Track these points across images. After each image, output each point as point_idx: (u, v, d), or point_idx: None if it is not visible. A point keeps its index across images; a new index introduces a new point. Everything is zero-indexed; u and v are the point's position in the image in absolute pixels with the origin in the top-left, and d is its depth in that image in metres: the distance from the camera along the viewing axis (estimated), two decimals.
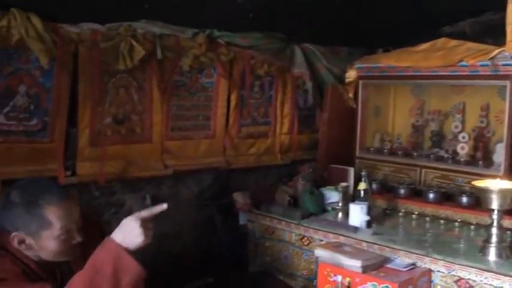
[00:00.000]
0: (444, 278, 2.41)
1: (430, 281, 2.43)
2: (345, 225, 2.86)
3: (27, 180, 1.91)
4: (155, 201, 3.25)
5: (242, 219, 3.36)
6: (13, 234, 1.78)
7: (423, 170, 3.39)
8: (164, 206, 1.82)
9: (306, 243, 2.97)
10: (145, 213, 1.77)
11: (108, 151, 2.91)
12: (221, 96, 3.49)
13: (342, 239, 2.77)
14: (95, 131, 2.86)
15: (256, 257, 3.27)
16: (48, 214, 1.77)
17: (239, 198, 3.27)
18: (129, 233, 1.72)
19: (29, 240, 1.79)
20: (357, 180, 3.14)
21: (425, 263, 2.46)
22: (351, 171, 3.41)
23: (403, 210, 3.20)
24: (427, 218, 3.07)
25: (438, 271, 2.42)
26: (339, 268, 2.40)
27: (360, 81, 3.67)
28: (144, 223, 1.74)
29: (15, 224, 1.78)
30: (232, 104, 3.58)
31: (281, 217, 3.09)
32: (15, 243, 1.79)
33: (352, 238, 2.74)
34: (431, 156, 3.43)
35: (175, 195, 3.42)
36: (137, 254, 1.72)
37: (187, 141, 3.39)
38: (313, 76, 3.81)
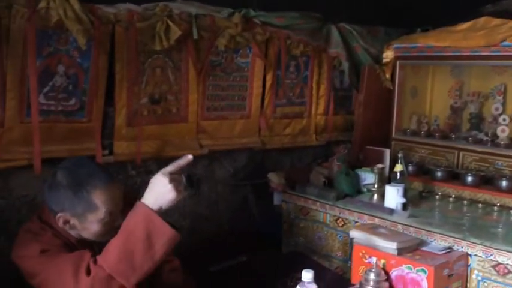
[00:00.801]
0: (482, 262, 2.38)
1: (467, 265, 2.40)
2: (380, 207, 2.83)
3: (74, 162, 1.92)
4: (190, 181, 3.29)
5: (276, 200, 3.37)
6: (59, 214, 1.84)
7: (461, 153, 3.33)
8: (189, 156, 1.78)
9: (340, 225, 2.96)
10: (171, 167, 1.73)
11: (144, 130, 2.94)
12: (256, 76, 3.48)
13: (377, 221, 2.75)
14: (131, 110, 2.89)
15: (290, 238, 3.28)
16: (95, 198, 1.81)
17: (274, 178, 3.27)
18: (159, 191, 1.70)
19: (73, 221, 1.85)
20: (393, 162, 3.10)
21: (463, 246, 2.42)
22: (387, 152, 3.37)
23: (439, 193, 3.15)
24: (465, 202, 3.02)
25: (475, 255, 2.39)
26: (374, 250, 2.39)
27: (398, 62, 3.60)
28: (173, 177, 1.71)
29: (62, 205, 1.83)
30: (268, 84, 3.57)
31: (316, 198, 3.08)
32: (60, 223, 1.84)
33: (387, 220, 2.72)
34: (470, 138, 3.36)
35: (210, 175, 3.44)
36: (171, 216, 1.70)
37: (222, 121, 3.40)
38: (349, 56, 3.76)
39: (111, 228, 1.85)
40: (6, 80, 2.40)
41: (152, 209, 1.68)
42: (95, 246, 1.97)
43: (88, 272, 1.68)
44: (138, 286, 1.75)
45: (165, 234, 1.68)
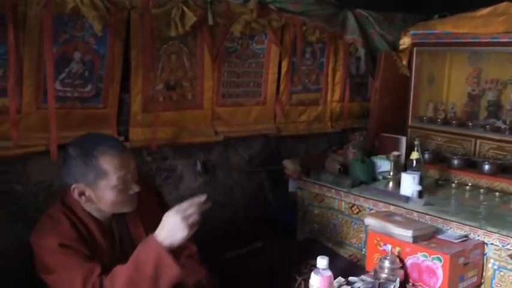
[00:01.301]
0: (498, 251, 2.36)
1: (483, 254, 2.38)
2: (395, 194, 2.82)
3: (83, 135, 1.98)
4: (206, 167, 3.30)
5: (291, 187, 3.37)
6: (73, 186, 1.88)
7: (478, 141, 3.29)
8: (203, 197, 1.81)
9: (355, 212, 2.96)
10: (185, 204, 1.78)
11: (160, 117, 2.95)
12: (272, 62, 3.47)
13: (392, 209, 2.74)
14: (147, 97, 2.90)
15: (304, 224, 3.28)
16: (103, 164, 1.85)
17: (289, 165, 3.27)
18: (171, 229, 1.75)
19: (88, 192, 1.88)
20: (409, 150, 3.08)
21: (479, 235, 2.40)
22: (403, 140, 3.35)
23: (456, 182, 3.12)
24: (482, 190, 2.99)
25: (492, 244, 2.37)
26: (389, 237, 2.38)
27: (415, 49, 3.55)
28: (186, 215, 1.75)
29: (74, 175, 1.87)
30: (283, 70, 3.56)
31: (331, 185, 3.07)
32: (75, 194, 1.89)
33: (403, 208, 2.70)
34: (488, 126, 3.32)
35: (226, 162, 3.45)
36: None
37: (238, 108, 3.40)
38: (365, 43, 3.73)
39: (127, 196, 1.90)
40: (23, 67, 2.42)
41: (163, 247, 1.74)
42: (115, 230, 2.02)
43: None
44: None
45: (172, 273, 1.75)
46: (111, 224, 2.02)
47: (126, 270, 1.76)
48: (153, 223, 1.85)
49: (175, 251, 1.79)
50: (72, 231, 1.88)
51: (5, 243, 2.53)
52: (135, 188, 1.92)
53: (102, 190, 1.87)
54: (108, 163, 1.85)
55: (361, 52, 3.75)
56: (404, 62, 3.62)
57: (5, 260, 2.52)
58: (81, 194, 1.89)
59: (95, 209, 1.94)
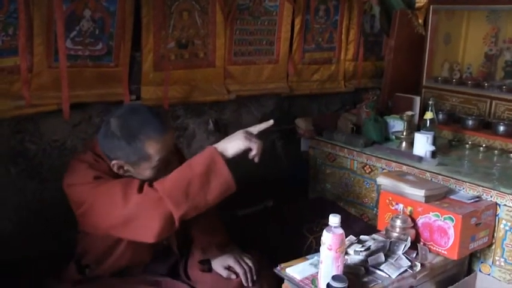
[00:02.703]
0: (510, 212, 2.34)
1: (495, 215, 2.37)
2: (408, 154, 2.80)
3: (127, 110, 1.94)
4: (217, 126, 3.30)
5: (304, 146, 3.37)
6: (113, 162, 1.89)
7: (494, 102, 3.25)
8: (271, 121, 1.93)
9: (367, 171, 2.95)
10: (252, 128, 1.89)
11: (171, 75, 2.94)
12: (285, 20, 3.42)
13: (405, 168, 2.73)
14: (158, 55, 2.87)
15: (316, 184, 3.29)
16: (148, 148, 1.86)
17: (301, 124, 3.26)
18: (231, 139, 1.84)
19: (127, 167, 1.91)
20: (423, 110, 3.05)
21: (491, 196, 2.39)
22: (417, 100, 3.32)
23: (470, 142, 3.10)
24: (496, 151, 2.96)
25: (504, 205, 2.36)
26: (401, 197, 2.38)
27: (431, 7, 3.49)
28: (248, 133, 1.85)
29: (116, 154, 1.89)
30: (296, 28, 3.51)
31: (343, 144, 3.07)
32: (115, 168, 1.91)
33: (415, 168, 2.69)
34: (504, 87, 3.26)
35: (238, 121, 3.44)
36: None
37: (250, 66, 3.37)
38: (380, 0, 3.66)
39: (163, 172, 1.88)
40: (33, 25, 2.39)
41: (217, 150, 1.80)
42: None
43: (140, 190, 1.77)
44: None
45: (222, 175, 1.78)
46: None
47: (177, 171, 1.79)
48: None
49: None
50: (109, 170, 1.91)
51: (22, 200, 2.58)
52: (172, 164, 1.91)
53: (142, 169, 1.90)
54: (152, 148, 1.86)
55: (376, 10, 3.69)
56: (420, 21, 3.56)
57: (22, 215, 2.57)
58: (120, 167, 1.91)
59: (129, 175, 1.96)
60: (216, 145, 1.82)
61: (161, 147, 1.87)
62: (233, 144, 1.82)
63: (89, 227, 1.94)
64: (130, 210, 1.75)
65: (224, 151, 1.80)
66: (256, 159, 1.87)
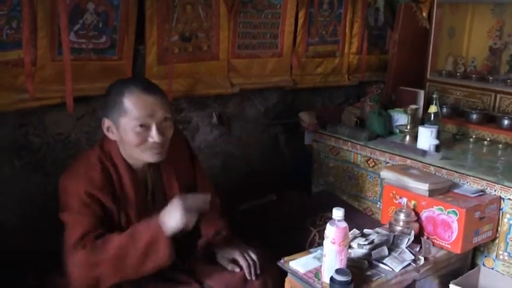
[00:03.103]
0: None
1: (499, 209, 2.37)
2: (412, 148, 2.80)
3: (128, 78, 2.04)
4: (221, 119, 3.30)
5: (307, 139, 3.36)
6: (103, 119, 1.94)
7: (498, 95, 3.23)
8: (208, 197, 1.89)
9: (371, 165, 2.95)
10: (192, 199, 1.84)
11: (175, 68, 2.93)
12: (289, 13, 3.41)
13: (408, 162, 2.73)
14: (162, 48, 2.87)
15: (319, 177, 3.29)
16: (126, 102, 1.87)
17: (305, 117, 3.26)
18: (172, 216, 1.79)
19: (113, 128, 1.93)
20: (427, 104, 3.05)
21: (495, 190, 2.39)
22: (421, 93, 3.31)
23: (474, 136, 3.09)
24: (500, 145, 2.95)
25: (508, 199, 2.35)
26: (404, 191, 2.38)
27: (435, 0, 3.47)
28: (189, 210, 1.80)
29: (106, 109, 1.94)
30: (300, 21, 3.50)
31: (347, 138, 3.06)
32: (104, 128, 1.95)
33: (419, 162, 2.69)
34: (508, 81, 3.25)
35: (241, 114, 3.44)
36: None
37: (253, 60, 3.36)
38: None
39: (145, 143, 1.90)
40: (37, 19, 2.39)
41: (163, 228, 1.79)
42: (148, 178, 2.07)
43: (84, 247, 1.80)
44: None
45: (160, 257, 1.81)
46: (145, 175, 2.06)
47: (122, 236, 1.82)
48: (186, 176, 1.87)
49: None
50: (102, 178, 1.92)
51: (26, 193, 2.59)
52: (156, 138, 1.89)
53: (123, 129, 1.90)
54: (131, 102, 1.87)
55: (380, 3, 3.69)
56: (425, 14, 3.54)
57: (26, 208, 2.58)
58: (108, 129, 1.94)
59: (129, 154, 1.97)
60: (162, 217, 1.81)
61: (140, 105, 1.87)
62: (173, 223, 1.79)
63: None
64: (70, 260, 1.83)
65: (168, 227, 1.79)
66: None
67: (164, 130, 1.93)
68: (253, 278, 2.05)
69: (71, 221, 1.86)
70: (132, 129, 1.88)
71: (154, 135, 1.89)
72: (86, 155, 1.99)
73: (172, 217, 1.79)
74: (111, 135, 1.95)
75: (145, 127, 1.89)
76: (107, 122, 1.93)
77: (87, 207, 1.87)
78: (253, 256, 2.10)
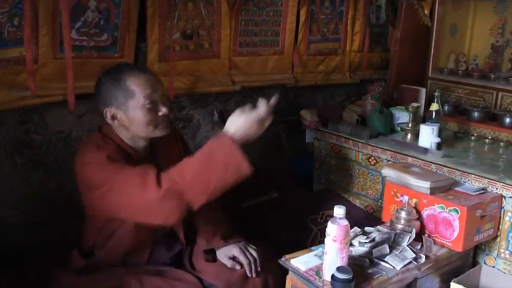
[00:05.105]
0: None
1: (501, 207, 2.36)
2: (414, 146, 2.80)
3: (112, 66, 2.06)
4: (222, 117, 3.30)
5: (309, 137, 3.36)
6: (105, 109, 1.96)
7: (500, 94, 3.23)
8: (276, 96, 1.95)
9: (372, 163, 2.95)
10: (262, 109, 1.88)
11: (176, 66, 2.94)
12: (290, 11, 3.41)
13: (410, 160, 2.72)
14: (163, 46, 2.87)
15: (321, 175, 3.29)
16: (131, 85, 1.94)
17: (306, 115, 3.25)
18: (246, 127, 1.84)
19: (120, 115, 1.96)
20: (428, 102, 3.04)
21: (497, 188, 2.38)
22: (423, 91, 3.30)
23: (475, 134, 3.09)
24: (501, 143, 2.95)
25: (510, 197, 2.35)
26: (406, 189, 2.37)
27: None
28: (262, 119, 1.87)
29: (105, 99, 1.97)
30: (302, 19, 3.50)
31: (348, 136, 3.06)
32: (108, 118, 1.97)
33: (420, 159, 2.68)
34: (510, 79, 3.24)
35: None
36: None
37: (255, 57, 3.36)
38: None
39: (156, 117, 1.97)
40: (38, 16, 2.39)
41: (234, 141, 1.81)
42: (160, 161, 2.08)
43: (159, 183, 1.79)
44: None
45: (241, 169, 1.81)
46: (144, 156, 2.09)
47: (196, 162, 1.82)
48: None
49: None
50: (118, 151, 1.97)
51: (27, 190, 2.59)
52: (164, 109, 1.98)
53: (132, 110, 1.94)
54: (135, 83, 1.93)
55: (382, 0, 3.67)
56: (426, 12, 3.53)
57: (27, 205, 2.58)
58: (114, 117, 1.97)
59: (130, 138, 2.02)
60: (232, 133, 1.83)
61: (144, 83, 1.95)
62: (248, 136, 1.85)
63: (100, 211, 1.98)
64: (150, 203, 1.81)
65: (240, 140, 1.83)
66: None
67: (165, 103, 2.02)
68: (254, 275, 2.06)
69: (122, 181, 1.86)
70: (144, 107, 1.94)
71: (162, 109, 1.98)
72: (89, 140, 2.04)
73: (248, 131, 1.85)
74: (117, 123, 1.99)
75: (153, 103, 1.96)
76: (110, 111, 1.96)
77: (120, 164, 1.90)
78: (254, 253, 2.10)
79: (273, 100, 1.92)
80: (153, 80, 2.00)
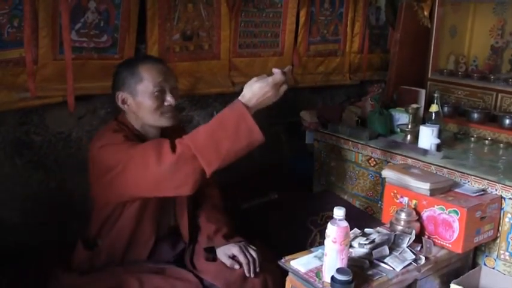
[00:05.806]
0: None
1: (501, 208, 2.36)
2: (413, 147, 2.80)
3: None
4: None
5: (308, 139, 3.36)
6: (117, 93, 2.05)
7: (500, 95, 3.22)
8: (288, 68, 1.96)
9: (372, 164, 2.95)
10: (277, 76, 1.88)
11: (176, 67, 2.93)
12: (290, 12, 3.41)
13: (410, 162, 2.72)
14: (163, 47, 2.87)
15: (321, 176, 3.29)
16: (142, 71, 2.03)
17: (306, 117, 3.25)
18: (260, 94, 1.87)
19: (129, 100, 2.05)
20: (428, 103, 3.04)
21: (497, 189, 2.38)
22: (422, 93, 3.30)
23: (475, 136, 3.09)
24: (501, 145, 2.95)
25: (510, 199, 2.35)
26: (406, 190, 2.37)
27: None
28: (277, 84, 1.88)
29: (118, 84, 2.08)
30: (302, 20, 3.50)
31: (348, 137, 3.06)
32: (119, 101, 2.06)
33: (420, 161, 2.68)
34: (510, 80, 3.24)
35: None
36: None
37: (255, 59, 3.37)
38: None
39: (162, 106, 2.04)
40: (38, 17, 2.39)
41: (248, 108, 1.85)
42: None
43: (173, 149, 1.84)
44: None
45: (252, 134, 1.84)
46: None
47: (208, 127, 1.86)
48: None
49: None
50: (133, 136, 2.05)
51: (27, 191, 2.60)
52: (170, 99, 2.05)
53: (141, 95, 2.02)
54: (146, 70, 2.03)
55: (381, 2, 3.67)
56: (426, 13, 3.53)
57: (27, 206, 2.59)
58: (124, 102, 2.06)
59: (141, 126, 2.09)
60: (245, 100, 1.86)
61: (155, 71, 2.03)
62: (265, 101, 1.90)
63: (111, 197, 2.03)
64: (166, 170, 1.84)
65: (254, 107, 1.87)
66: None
67: (175, 96, 2.08)
68: (252, 275, 2.06)
69: (139, 153, 1.90)
70: (151, 93, 2.01)
71: (169, 98, 2.05)
72: (105, 127, 2.13)
73: (263, 97, 1.88)
74: (126, 108, 2.07)
75: (161, 91, 2.03)
76: (121, 95, 2.06)
77: (139, 143, 1.97)
78: (253, 254, 2.10)
79: (287, 69, 1.94)
80: (166, 70, 2.09)
